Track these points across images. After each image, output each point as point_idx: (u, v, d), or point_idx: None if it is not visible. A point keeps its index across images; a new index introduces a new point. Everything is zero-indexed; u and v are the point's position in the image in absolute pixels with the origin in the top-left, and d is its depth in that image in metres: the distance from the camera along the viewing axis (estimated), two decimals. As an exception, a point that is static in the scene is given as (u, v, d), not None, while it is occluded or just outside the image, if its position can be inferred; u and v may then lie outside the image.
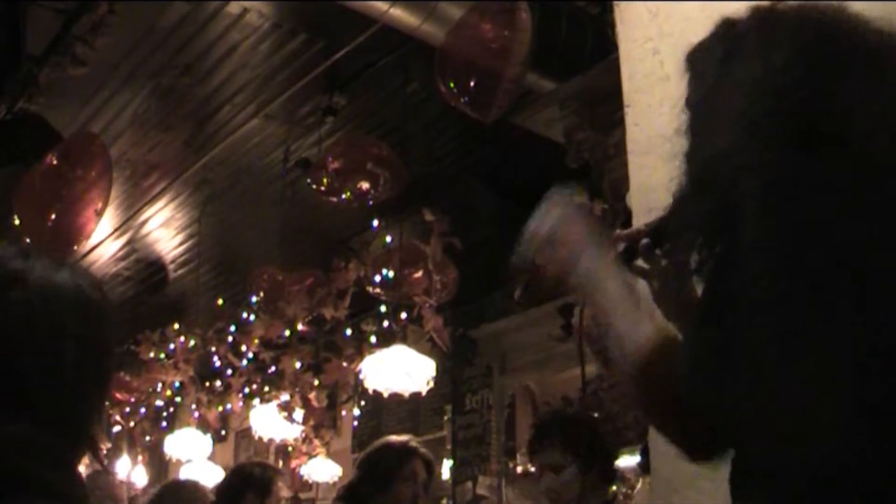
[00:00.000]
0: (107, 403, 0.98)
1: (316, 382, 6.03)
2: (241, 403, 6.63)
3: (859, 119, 1.07)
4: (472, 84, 3.51)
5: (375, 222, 5.41)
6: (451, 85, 3.54)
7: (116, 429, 7.88)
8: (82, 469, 1.01)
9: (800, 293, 1.04)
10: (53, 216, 4.00)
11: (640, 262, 1.31)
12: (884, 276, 1.04)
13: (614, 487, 2.92)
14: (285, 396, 5.90)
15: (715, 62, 1.21)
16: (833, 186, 1.06)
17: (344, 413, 7.20)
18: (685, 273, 1.20)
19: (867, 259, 1.04)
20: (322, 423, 6.42)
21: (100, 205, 3.99)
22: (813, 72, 1.10)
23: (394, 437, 3.17)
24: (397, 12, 3.59)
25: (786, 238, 1.06)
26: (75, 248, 4.26)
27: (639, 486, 3.28)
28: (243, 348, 6.21)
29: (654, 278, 1.31)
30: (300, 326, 5.64)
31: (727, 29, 1.23)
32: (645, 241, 1.30)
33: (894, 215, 1.05)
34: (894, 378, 1.02)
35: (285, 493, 3.44)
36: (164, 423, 7.54)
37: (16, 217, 4.06)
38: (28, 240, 4.13)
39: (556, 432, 2.82)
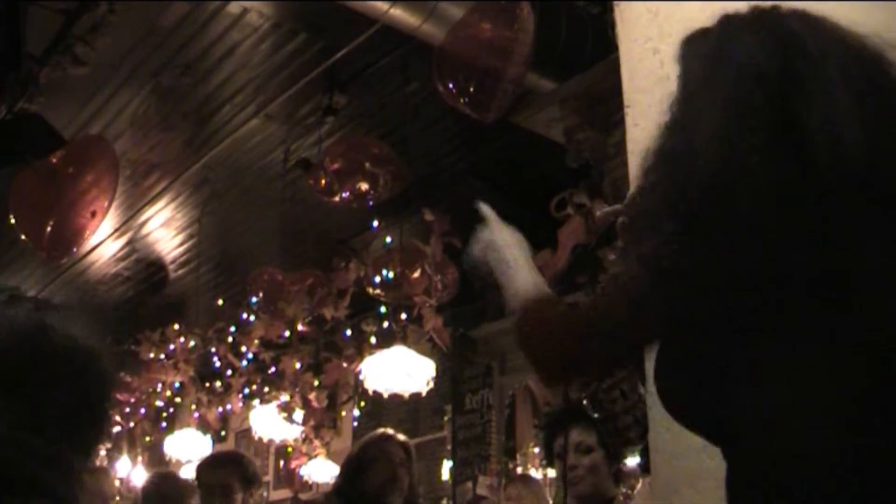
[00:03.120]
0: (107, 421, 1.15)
1: (316, 383, 6.03)
2: (241, 404, 6.63)
3: (830, 128, 1.10)
4: (470, 84, 3.51)
5: (375, 222, 5.41)
6: (451, 85, 3.54)
7: (116, 429, 7.88)
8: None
9: (764, 290, 1.08)
10: (53, 217, 4.00)
11: (618, 242, 1.38)
12: (863, 274, 1.07)
13: (622, 488, 2.92)
14: (285, 397, 5.89)
15: (704, 56, 1.25)
16: (804, 190, 1.09)
17: (344, 413, 7.19)
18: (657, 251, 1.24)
19: (842, 260, 1.07)
20: (322, 423, 6.42)
21: (105, 204, 3.99)
22: (786, 80, 1.14)
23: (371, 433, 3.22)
24: (397, 12, 3.59)
25: (752, 242, 1.09)
26: (74, 249, 4.26)
27: (639, 486, 3.27)
28: (243, 348, 6.21)
29: (628, 255, 1.36)
30: (300, 327, 5.63)
31: (720, 25, 1.28)
32: (622, 219, 1.40)
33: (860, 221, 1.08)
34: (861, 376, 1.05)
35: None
36: (164, 424, 7.54)
37: (12, 217, 4.06)
38: (24, 237, 4.13)
39: (578, 415, 2.80)
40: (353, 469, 3.05)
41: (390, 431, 3.15)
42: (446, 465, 6.59)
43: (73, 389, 1.07)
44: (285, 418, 5.88)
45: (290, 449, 6.82)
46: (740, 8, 1.29)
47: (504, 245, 1.40)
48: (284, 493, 7.80)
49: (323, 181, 4.50)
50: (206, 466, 3.49)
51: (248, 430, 6.74)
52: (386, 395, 5.02)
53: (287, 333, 5.69)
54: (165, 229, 6.28)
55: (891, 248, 1.08)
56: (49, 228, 4.02)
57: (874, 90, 1.13)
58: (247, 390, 6.47)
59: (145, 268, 6.89)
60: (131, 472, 8.03)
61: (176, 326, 6.59)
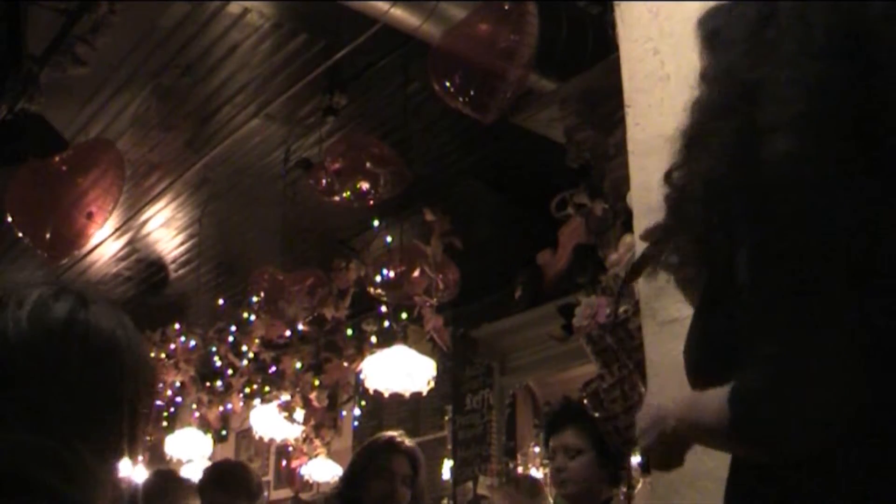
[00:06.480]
0: (140, 421, 1.14)
1: (316, 382, 6.03)
2: (241, 403, 6.63)
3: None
4: (470, 84, 3.51)
5: (376, 222, 5.41)
6: (448, 84, 3.54)
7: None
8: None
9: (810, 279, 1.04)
10: (54, 218, 4.00)
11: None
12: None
13: (623, 488, 2.91)
14: (286, 396, 5.90)
15: (747, 29, 1.18)
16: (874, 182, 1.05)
17: (344, 413, 7.20)
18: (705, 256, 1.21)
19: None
20: (322, 423, 6.42)
21: (109, 206, 4.00)
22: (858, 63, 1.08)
23: (382, 434, 3.16)
24: (397, 12, 3.59)
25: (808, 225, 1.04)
26: (75, 251, 4.26)
27: (639, 486, 3.27)
28: (244, 348, 6.21)
29: (680, 267, 1.33)
30: (301, 326, 5.64)
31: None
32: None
33: None
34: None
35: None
36: (165, 423, 7.54)
37: (10, 217, 4.06)
38: (23, 236, 4.13)
39: (573, 417, 2.78)
40: (353, 477, 3.02)
41: (399, 439, 3.04)
42: (447, 465, 6.59)
43: (96, 388, 1.07)
44: (286, 418, 5.88)
45: (290, 448, 6.82)
46: None
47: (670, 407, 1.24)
48: (285, 493, 7.80)
49: (323, 181, 4.50)
50: (210, 485, 3.45)
51: (249, 429, 6.75)
52: (386, 395, 5.02)
53: (287, 333, 5.70)
54: (165, 229, 6.28)
55: None
56: (50, 229, 4.02)
57: None
58: (247, 390, 6.47)
59: (145, 268, 6.89)
60: (131, 472, 8.02)
61: (176, 326, 6.59)
